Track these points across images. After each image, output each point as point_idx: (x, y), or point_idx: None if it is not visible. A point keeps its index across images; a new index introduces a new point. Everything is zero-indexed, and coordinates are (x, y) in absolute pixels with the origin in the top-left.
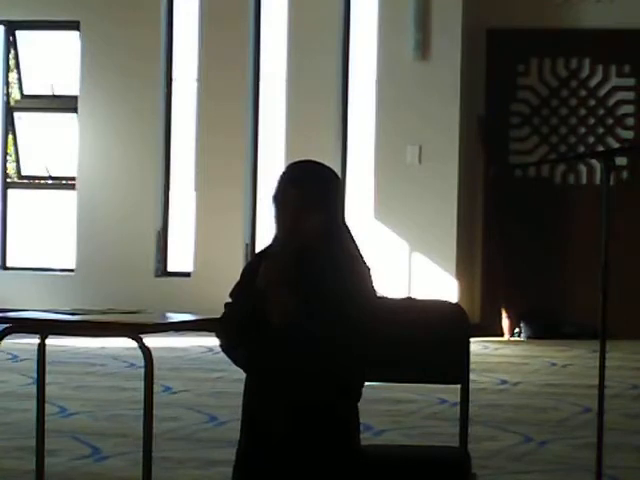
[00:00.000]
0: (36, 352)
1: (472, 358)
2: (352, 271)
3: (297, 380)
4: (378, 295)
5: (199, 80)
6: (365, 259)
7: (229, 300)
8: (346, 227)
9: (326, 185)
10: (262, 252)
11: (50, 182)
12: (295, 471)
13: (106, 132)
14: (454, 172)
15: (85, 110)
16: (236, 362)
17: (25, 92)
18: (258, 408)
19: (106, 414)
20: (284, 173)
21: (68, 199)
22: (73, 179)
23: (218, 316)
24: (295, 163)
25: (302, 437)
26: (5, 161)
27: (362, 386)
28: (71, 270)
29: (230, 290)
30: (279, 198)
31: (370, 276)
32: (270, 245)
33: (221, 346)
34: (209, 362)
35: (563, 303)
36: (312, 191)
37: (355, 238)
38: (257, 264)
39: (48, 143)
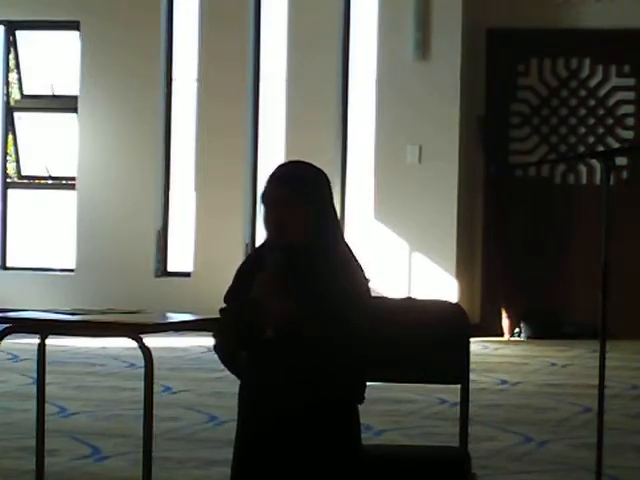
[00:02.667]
0: (36, 352)
1: (472, 358)
2: (346, 273)
3: (294, 381)
4: (372, 294)
5: (199, 80)
6: (357, 258)
7: (223, 305)
8: (337, 226)
9: (311, 184)
10: (254, 252)
11: (50, 182)
12: (294, 472)
13: (106, 132)
14: (454, 172)
15: (85, 110)
16: (225, 363)
17: (25, 92)
18: (254, 408)
19: (106, 414)
20: (272, 172)
21: (68, 199)
22: (73, 179)
23: (218, 316)
24: (282, 164)
25: (300, 438)
26: (5, 161)
27: (364, 389)
28: (71, 270)
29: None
30: (267, 196)
31: (364, 276)
32: (261, 245)
33: (214, 346)
34: (209, 362)
35: (563, 303)
36: (297, 190)
37: (345, 236)
38: (249, 267)
39: (48, 143)
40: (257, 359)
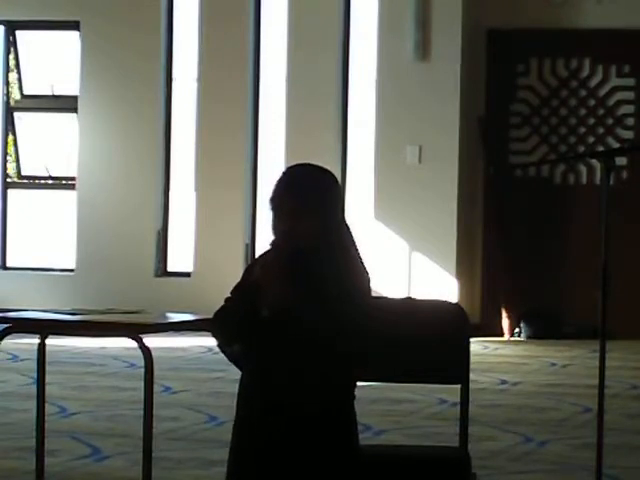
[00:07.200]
0: (36, 352)
1: (472, 358)
2: (349, 276)
3: (292, 378)
4: (372, 297)
5: (199, 80)
6: (364, 263)
7: (229, 296)
8: (347, 230)
9: (322, 189)
10: (263, 253)
11: (50, 182)
12: (291, 472)
13: (106, 132)
14: (454, 172)
15: (85, 110)
16: (231, 359)
17: (25, 92)
18: (253, 407)
19: (106, 414)
20: (280, 177)
21: (68, 199)
22: (73, 179)
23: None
24: (292, 167)
25: (297, 436)
26: (5, 161)
27: (355, 386)
28: (71, 270)
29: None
30: (275, 202)
31: (368, 280)
32: (270, 246)
33: (219, 345)
34: (209, 362)
35: (563, 303)
36: (307, 195)
37: (355, 242)
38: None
39: (48, 143)
40: (256, 342)
